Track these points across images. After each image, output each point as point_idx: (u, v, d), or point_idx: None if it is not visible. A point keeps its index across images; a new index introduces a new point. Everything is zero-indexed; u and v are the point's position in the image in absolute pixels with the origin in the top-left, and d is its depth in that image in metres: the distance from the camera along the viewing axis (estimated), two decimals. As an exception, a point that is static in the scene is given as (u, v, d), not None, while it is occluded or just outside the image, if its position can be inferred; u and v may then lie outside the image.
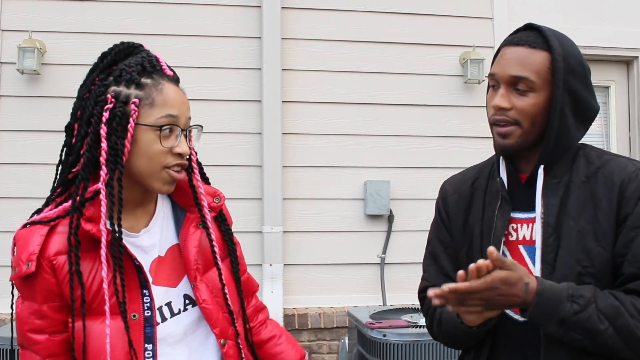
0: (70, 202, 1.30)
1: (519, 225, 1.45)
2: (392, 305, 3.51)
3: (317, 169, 3.85)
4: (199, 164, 1.49)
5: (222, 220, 1.50)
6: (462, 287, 1.23)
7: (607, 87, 4.32)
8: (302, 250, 3.82)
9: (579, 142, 1.46)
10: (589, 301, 1.29)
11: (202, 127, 1.42)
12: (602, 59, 4.24)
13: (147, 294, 1.32)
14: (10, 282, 1.33)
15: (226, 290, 1.43)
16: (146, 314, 1.31)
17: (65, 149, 1.37)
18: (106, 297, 1.25)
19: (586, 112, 1.42)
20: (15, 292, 1.34)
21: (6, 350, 2.71)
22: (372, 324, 2.80)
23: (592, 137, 4.30)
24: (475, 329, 1.40)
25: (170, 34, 3.74)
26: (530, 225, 1.43)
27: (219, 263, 1.43)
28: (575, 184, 1.40)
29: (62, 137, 3.90)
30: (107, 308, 1.25)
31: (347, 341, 3.45)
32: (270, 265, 3.71)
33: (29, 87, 3.62)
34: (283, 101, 3.81)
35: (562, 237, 1.37)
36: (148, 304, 1.32)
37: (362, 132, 3.90)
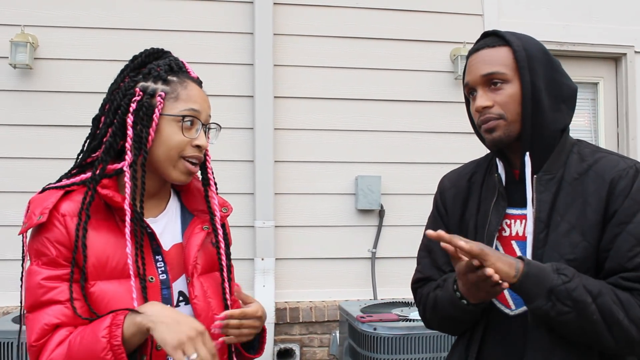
0: (88, 174, 1.38)
1: (513, 221, 1.48)
2: (383, 299, 3.54)
3: (309, 164, 3.88)
4: (211, 168, 1.57)
5: (224, 230, 1.56)
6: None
7: (596, 84, 4.36)
8: (293, 244, 3.85)
9: (569, 137, 1.50)
10: (574, 274, 1.33)
11: (220, 126, 1.52)
12: (590, 56, 4.28)
13: (161, 259, 1.41)
14: (22, 246, 1.36)
15: (226, 285, 1.48)
16: (161, 277, 1.39)
17: (88, 138, 1.46)
18: (129, 262, 1.33)
19: (561, 91, 1.46)
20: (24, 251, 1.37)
21: (5, 343, 2.73)
22: (362, 317, 2.83)
23: (581, 133, 4.34)
24: (473, 307, 1.43)
25: (162, 29, 3.75)
26: (524, 221, 1.46)
27: (223, 260, 1.49)
28: (567, 181, 1.43)
29: (54, 132, 3.92)
30: (131, 272, 1.33)
31: (338, 335, 3.49)
32: (262, 259, 3.74)
33: (22, 82, 3.62)
34: (275, 97, 3.83)
35: (550, 232, 1.40)
36: (162, 268, 1.40)
37: (353, 128, 3.93)
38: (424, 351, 2.74)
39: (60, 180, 1.42)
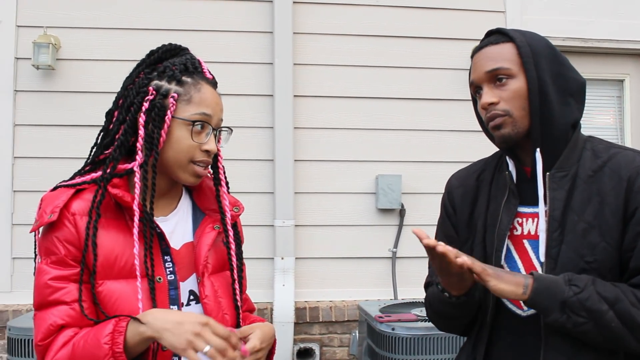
0: (99, 172, 1.38)
1: (524, 219, 1.45)
2: (404, 299, 3.52)
3: (329, 163, 3.87)
4: (223, 167, 1.57)
5: (235, 230, 1.56)
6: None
7: (622, 81, 4.28)
8: (313, 243, 3.84)
9: (581, 134, 1.47)
10: (587, 283, 1.30)
11: (232, 130, 1.52)
12: (616, 52, 4.20)
13: (169, 260, 1.40)
14: (34, 243, 1.38)
15: (236, 286, 1.48)
16: (169, 278, 1.39)
17: (102, 133, 1.46)
18: (136, 262, 1.33)
19: (568, 85, 1.43)
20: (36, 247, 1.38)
21: (21, 339, 2.77)
22: (381, 317, 2.82)
23: (606, 131, 4.27)
24: (455, 300, 1.42)
25: (182, 29, 3.77)
26: (536, 220, 1.43)
27: (233, 261, 1.49)
28: (582, 178, 1.40)
29: (76, 131, 3.97)
30: (137, 272, 1.33)
31: (357, 335, 3.47)
32: (282, 258, 3.73)
33: (44, 82, 3.67)
34: (295, 95, 3.82)
35: (566, 232, 1.37)
36: (171, 269, 1.40)
37: (373, 127, 3.90)
38: (443, 352, 2.71)
39: (73, 177, 1.43)
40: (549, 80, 1.40)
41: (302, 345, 3.71)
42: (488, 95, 1.43)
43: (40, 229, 1.36)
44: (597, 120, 4.32)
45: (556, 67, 1.43)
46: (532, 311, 1.41)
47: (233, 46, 3.82)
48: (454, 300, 1.43)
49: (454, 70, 3.97)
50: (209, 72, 1.47)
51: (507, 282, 1.29)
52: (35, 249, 1.38)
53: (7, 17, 3.67)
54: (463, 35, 3.96)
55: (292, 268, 3.74)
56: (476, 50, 1.49)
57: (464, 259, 1.26)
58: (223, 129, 1.48)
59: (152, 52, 1.45)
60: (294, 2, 3.84)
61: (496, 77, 1.42)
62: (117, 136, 1.40)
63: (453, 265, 1.28)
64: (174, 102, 1.37)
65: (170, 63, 1.42)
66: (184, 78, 1.40)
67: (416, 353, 2.70)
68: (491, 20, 3.97)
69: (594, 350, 1.34)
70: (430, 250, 1.28)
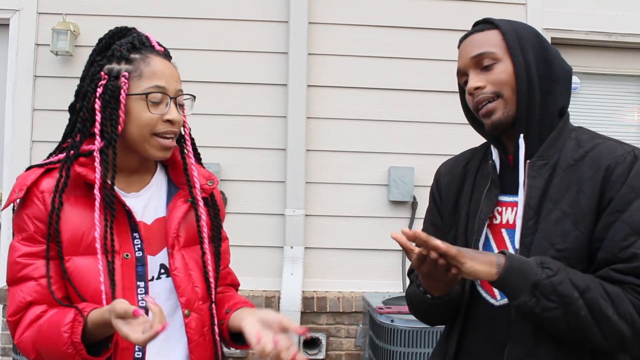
0: (64, 154, 1.41)
1: (504, 208, 1.44)
2: (410, 292, 3.50)
3: (341, 154, 3.86)
4: (192, 139, 1.57)
5: (213, 203, 1.57)
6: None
7: (646, 76, 4.17)
8: (323, 234, 3.83)
9: (569, 123, 1.44)
10: (560, 268, 1.27)
11: (194, 97, 1.52)
12: (641, 47, 4.09)
13: (138, 237, 1.42)
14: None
15: (206, 259, 1.49)
16: (137, 255, 1.41)
17: (67, 124, 1.48)
18: (97, 240, 1.35)
19: (553, 72, 1.41)
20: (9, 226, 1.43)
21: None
22: (381, 308, 2.80)
23: (627, 128, 4.16)
24: (438, 300, 1.41)
25: (199, 17, 3.80)
26: (515, 209, 1.41)
27: (203, 234, 1.50)
28: (562, 167, 1.37)
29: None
30: (98, 250, 1.35)
31: (362, 326, 3.47)
32: (292, 247, 3.74)
33: (63, 68, 3.75)
34: (308, 85, 3.82)
35: (541, 220, 1.35)
36: (139, 245, 1.42)
37: (387, 118, 3.87)
38: (440, 345, 2.69)
39: (47, 159, 1.46)
40: (533, 65, 1.39)
41: (308, 335, 3.72)
42: (474, 79, 1.41)
43: (15, 208, 1.40)
44: (619, 118, 4.21)
45: (541, 52, 1.41)
46: (505, 300, 1.39)
47: (248, 35, 3.83)
48: (436, 301, 1.42)
49: (470, 63, 3.90)
50: (159, 44, 1.47)
51: (481, 262, 1.26)
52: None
53: (28, 4, 3.75)
54: (481, 27, 3.89)
55: (301, 257, 3.75)
56: (462, 39, 1.48)
57: (437, 242, 1.22)
58: (184, 97, 1.48)
59: (100, 40, 1.47)
60: (310, -8, 3.84)
61: (482, 62, 1.40)
62: (76, 125, 1.42)
63: (443, 273, 1.26)
64: (126, 80, 1.38)
65: (118, 45, 1.43)
66: (132, 55, 1.40)
67: (415, 346, 2.68)
68: (511, 13, 3.89)
69: (556, 342, 1.31)
70: (423, 257, 1.24)
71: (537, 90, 1.38)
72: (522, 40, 1.40)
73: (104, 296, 1.33)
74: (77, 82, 1.47)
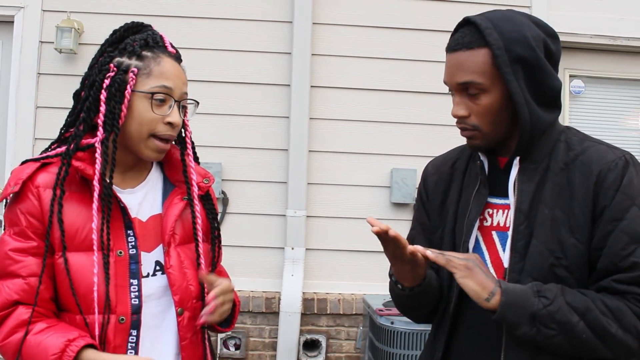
0: (64, 147, 1.40)
1: (495, 210, 1.42)
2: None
3: (344, 155, 3.85)
4: (192, 142, 1.58)
5: (208, 201, 1.57)
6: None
7: (651, 81, 4.15)
8: (325, 235, 3.82)
9: (558, 124, 1.42)
10: (556, 294, 1.26)
11: (197, 102, 1.52)
12: (646, 52, 4.07)
13: (132, 234, 1.42)
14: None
15: (201, 261, 1.48)
16: (131, 252, 1.41)
17: (69, 112, 1.48)
18: (94, 236, 1.35)
19: (547, 94, 1.35)
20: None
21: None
22: (381, 310, 2.79)
23: (630, 132, 4.15)
24: (409, 291, 1.41)
25: (202, 16, 3.80)
26: (506, 211, 1.40)
27: (198, 235, 1.49)
28: (553, 171, 1.36)
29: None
30: (94, 246, 1.35)
31: (362, 328, 3.46)
32: (292, 248, 3.74)
33: (66, 66, 3.75)
34: (312, 86, 3.81)
35: (536, 225, 1.33)
36: (133, 243, 1.42)
37: (390, 120, 3.86)
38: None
39: (44, 151, 1.46)
40: (529, 89, 1.33)
41: (308, 337, 3.71)
42: (459, 107, 1.37)
43: (8, 201, 1.40)
44: (623, 122, 4.20)
45: (537, 74, 1.33)
46: None
47: (252, 35, 3.83)
48: (407, 291, 1.41)
49: (474, 65, 3.89)
50: (172, 46, 1.48)
51: (475, 281, 1.27)
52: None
53: (32, 1, 3.76)
54: (486, 29, 3.88)
55: (302, 258, 3.74)
56: (448, 49, 1.40)
57: (416, 247, 1.25)
58: (188, 101, 1.48)
59: (114, 31, 1.47)
60: (314, -7, 3.83)
61: (468, 90, 1.35)
62: (80, 114, 1.42)
63: (405, 252, 1.26)
64: (134, 76, 1.39)
65: (131, 39, 1.43)
66: (144, 53, 1.41)
67: (415, 348, 2.67)
68: (515, 15, 3.88)
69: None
70: (382, 237, 1.27)
71: (538, 113, 1.34)
72: (515, 61, 1.31)
73: (95, 294, 1.32)
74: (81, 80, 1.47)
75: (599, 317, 1.24)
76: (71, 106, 1.48)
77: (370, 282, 3.79)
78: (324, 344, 3.70)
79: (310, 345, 3.72)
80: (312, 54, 3.81)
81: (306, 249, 3.77)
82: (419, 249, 1.26)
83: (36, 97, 3.75)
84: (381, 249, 4.15)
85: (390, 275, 1.45)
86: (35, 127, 3.74)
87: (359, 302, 3.70)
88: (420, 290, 1.41)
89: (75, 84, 1.48)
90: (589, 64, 4.08)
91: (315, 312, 3.71)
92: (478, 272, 1.28)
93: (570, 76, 4.09)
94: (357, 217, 3.83)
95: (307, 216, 3.78)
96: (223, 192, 3.73)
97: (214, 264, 1.54)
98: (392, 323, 2.69)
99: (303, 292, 3.69)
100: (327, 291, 3.79)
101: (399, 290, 1.43)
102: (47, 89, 3.75)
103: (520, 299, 1.26)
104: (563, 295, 1.26)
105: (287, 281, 3.67)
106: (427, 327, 2.64)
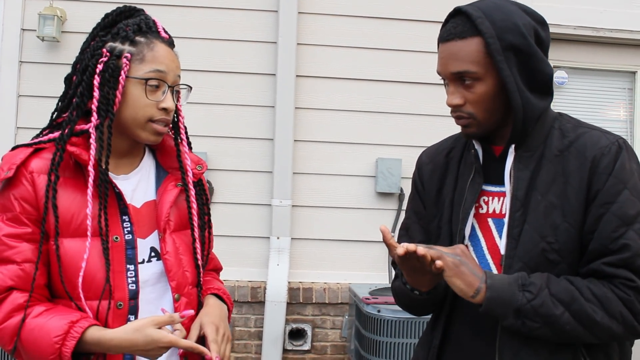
0: (57, 133, 1.39)
1: (490, 198, 1.44)
2: (396, 284, 3.50)
3: (329, 145, 3.85)
4: (185, 127, 1.57)
5: (201, 188, 1.58)
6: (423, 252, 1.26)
7: (634, 73, 4.18)
8: (310, 225, 3.83)
9: (550, 110, 1.44)
10: (540, 287, 1.29)
11: (191, 87, 1.52)
12: (628, 43, 4.10)
13: (127, 220, 1.42)
14: None
15: (197, 245, 1.49)
16: (127, 238, 1.41)
17: (61, 97, 1.46)
18: (88, 222, 1.34)
19: (539, 80, 1.37)
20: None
21: None
22: (368, 299, 2.81)
23: (615, 123, 4.20)
24: (426, 295, 1.42)
25: (187, 5, 3.77)
26: (502, 199, 1.42)
27: (194, 220, 1.50)
28: (548, 158, 1.37)
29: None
30: (89, 232, 1.34)
31: (348, 317, 3.47)
32: (278, 238, 3.74)
33: (49, 54, 3.70)
34: (297, 75, 3.80)
35: (529, 211, 1.35)
36: (128, 228, 1.41)
37: (375, 109, 3.87)
38: (426, 336, 2.70)
39: (36, 137, 1.44)
40: (521, 76, 1.35)
41: (294, 326, 3.72)
42: (454, 95, 1.38)
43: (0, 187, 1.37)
44: (606, 113, 4.25)
45: (530, 61, 1.35)
46: None
47: (237, 24, 3.81)
48: (424, 296, 1.43)
49: (459, 56, 3.90)
50: (165, 31, 1.47)
51: (462, 280, 1.29)
52: None
53: (14, -12, 3.70)
54: (471, 20, 3.89)
55: (287, 248, 3.75)
56: (441, 40, 1.41)
57: (408, 246, 1.24)
58: (181, 86, 1.48)
59: (106, 15, 1.46)
60: (300, -18, 3.81)
61: (462, 79, 1.36)
62: (73, 99, 1.40)
63: (428, 266, 1.27)
64: (127, 62, 1.38)
65: (124, 24, 1.42)
66: (137, 38, 1.40)
67: (402, 336, 2.69)
68: (500, 6, 3.90)
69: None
70: (406, 256, 1.26)
71: (531, 100, 1.36)
72: (507, 49, 1.32)
73: (80, 280, 1.32)
74: (64, 68, 1.45)
75: (584, 306, 1.27)
76: (62, 91, 1.46)
77: (355, 271, 3.81)
78: (309, 333, 3.71)
79: (296, 335, 3.73)
80: (298, 44, 3.80)
81: (292, 238, 3.78)
82: (410, 248, 1.25)
83: (18, 86, 3.70)
84: (366, 238, 4.17)
85: (403, 282, 1.45)
86: (17, 116, 3.69)
87: (345, 291, 3.72)
88: (437, 291, 1.43)
89: (58, 73, 1.47)
90: (573, 55, 4.12)
91: (301, 301, 3.72)
92: (464, 270, 1.30)
93: (554, 67, 4.12)
94: (342, 207, 3.84)
95: (293, 206, 3.78)
96: (208, 182, 3.72)
97: (207, 253, 1.55)
98: (378, 311, 2.71)
99: (288, 282, 3.70)
100: (312, 280, 3.80)
101: (416, 296, 1.43)
102: (29, 77, 3.70)
103: (506, 293, 1.28)
104: (548, 287, 1.29)
105: (272, 270, 3.67)
106: (414, 316, 2.68)
